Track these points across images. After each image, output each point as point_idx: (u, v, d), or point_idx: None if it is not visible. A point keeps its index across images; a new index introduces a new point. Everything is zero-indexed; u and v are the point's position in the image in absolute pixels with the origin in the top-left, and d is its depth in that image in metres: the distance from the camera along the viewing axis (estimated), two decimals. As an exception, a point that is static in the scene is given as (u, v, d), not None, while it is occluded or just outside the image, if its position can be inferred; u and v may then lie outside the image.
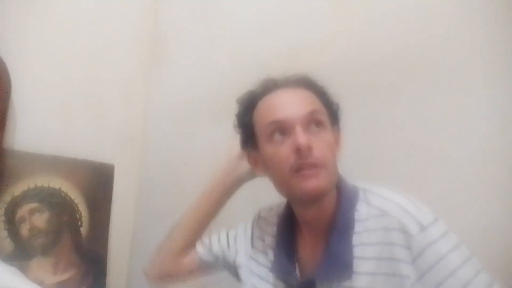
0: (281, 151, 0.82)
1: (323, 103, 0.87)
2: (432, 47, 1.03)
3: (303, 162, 0.79)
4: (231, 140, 0.95)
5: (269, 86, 0.89)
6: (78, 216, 1.62)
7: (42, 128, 1.58)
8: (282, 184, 0.85)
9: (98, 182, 1.69)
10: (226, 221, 1.11)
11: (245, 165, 0.98)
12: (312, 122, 0.83)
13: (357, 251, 0.81)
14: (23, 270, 1.39)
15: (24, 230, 1.50)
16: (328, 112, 0.87)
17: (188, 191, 1.62)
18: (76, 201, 1.62)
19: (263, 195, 0.96)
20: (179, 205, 1.64)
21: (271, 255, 0.95)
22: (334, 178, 0.84)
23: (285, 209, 0.96)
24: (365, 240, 0.81)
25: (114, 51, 1.77)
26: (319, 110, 0.85)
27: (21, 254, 1.48)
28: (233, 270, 1.05)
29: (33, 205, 1.53)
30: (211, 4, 1.65)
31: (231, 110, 1.43)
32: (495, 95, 0.94)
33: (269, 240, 0.98)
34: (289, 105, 0.84)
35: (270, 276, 0.94)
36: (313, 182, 0.80)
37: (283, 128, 0.82)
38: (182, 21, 1.76)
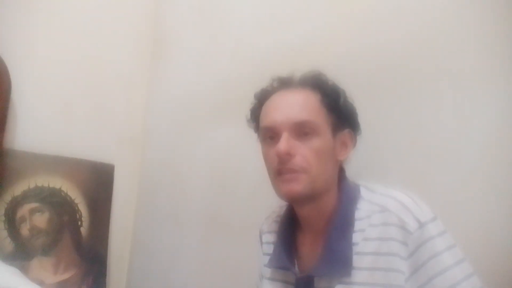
0: (269, 153, 0.88)
1: (327, 108, 0.89)
2: (434, 46, 1.03)
3: (282, 167, 0.85)
4: None
5: (277, 86, 0.94)
6: (78, 216, 1.62)
7: (42, 128, 1.58)
8: (272, 184, 0.90)
9: (98, 182, 1.69)
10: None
11: None
12: (300, 129, 0.86)
13: (359, 247, 0.82)
14: (24, 270, 1.39)
15: (25, 230, 1.50)
16: (332, 117, 0.89)
17: (188, 191, 1.63)
18: (76, 201, 1.62)
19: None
20: (180, 205, 1.65)
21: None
22: (319, 183, 0.86)
23: (287, 207, 0.98)
24: (368, 236, 0.82)
25: (114, 51, 1.77)
26: (311, 120, 0.86)
27: (21, 254, 1.48)
28: None
29: (34, 205, 1.52)
30: (211, 4, 1.65)
31: (232, 110, 1.44)
32: (496, 94, 0.94)
33: (274, 238, 0.99)
34: (282, 111, 0.88)
35: (268, 272, 0.95)
36: (290, 187, 0.85)
37: (273, 133, 0.88)
38: (182, 21, 1.76)
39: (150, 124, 1.83)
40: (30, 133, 1.55)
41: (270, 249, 0.99)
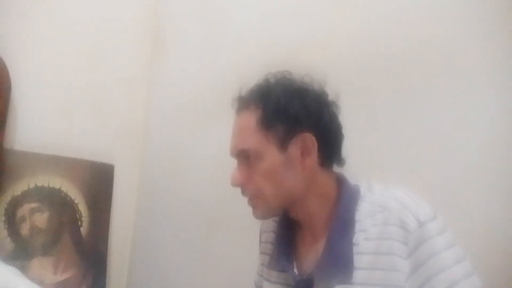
0: None
1: (267, 125, 0.85)
2: (433, 44, 1.03)
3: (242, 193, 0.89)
4: None
5: (235, 109, 0.93)
6: (78, 216, 1.62)
7: (42, 128, 1.59)
8: None
9: (98, 182, 1.69)
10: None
11: None
12: (244, 156, 0.87)
13: (359, 247, 0.82)
14: (24, 269, 1.39)
15: (25, 230, 1.50)
16: (276, 131, 0.85)
17: (188, 191, 1.63)
18: (76, 201, 1.62)
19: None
20: (180, 204, 1.65)
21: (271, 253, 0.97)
22: (281, 199, 0.87)
23: None
24: (369, 235, 0.82)
25: (114, 50, 1.77)
26: (246, 147, 0.86)
27: (21, 254, 1.48)
28: None
29: (33, 204, 1.53)
30: (211, 2, 1.65)
31: (231, 108, 1.44)
32: (496, 92, 0.94)
33: (272, 238, 0.98)
34: (232, 140, 0.90)
35: (273, 275, 0.94)
36: (253, 212, 0.90)
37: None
38: (183, 19, 1.76)
39: (150, 124, 1.84)
40: (30, 133, 1.56)
41: (267, 248, 0.99)
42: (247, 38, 1.46)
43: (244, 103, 0.90)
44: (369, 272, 0.80)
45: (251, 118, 0.87)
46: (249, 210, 1.41)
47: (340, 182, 0.90)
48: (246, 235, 1.27)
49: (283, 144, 0.85)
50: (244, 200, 1.39)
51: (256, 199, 0.88)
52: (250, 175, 0.87)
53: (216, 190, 1.51)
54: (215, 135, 1.53)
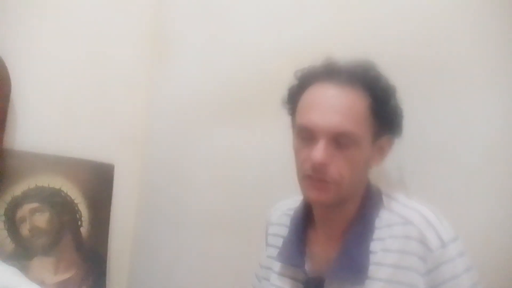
0: (302, 152, 0.84)
1: (374, 115, 0.82)
2: (434, 47, 1.03)
3: (314, 175, 0.81)
4: None
5: (322, 72, 0.86)
6: (78, 216, 1.62)
7: (42, 128, 1.58)
8: (297, 179, 0.87)
9: (98, 182, 1.68)
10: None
11: None
12: (340, 139, 0.80)
13: (378, 257, 0.81)
14: (24, 270, 1.39)
15: (25, 230, 1.50)
16: (376, 124, 0.83)
17: (189, 191, 1.63)
18: (76, 201, 1.61)
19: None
20: (180, 205, 1.65)
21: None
22: (348, 192, 0.84)
23: (302, 203, 0.95)
24: (388, 247, 0.81)
25: (115, 50, 1.77)
26: (353, 132, 0.80)
27: (21, 254, 1.48)
28: None
29: (34, 205, 1.52)
30: (214, 3, 1.65)
31: (234, 110, 1.44)
32: (498, 95, 0.94)
33: (284, 232, 0.97)
34: (323, 113, 0.81)
35: (282, 267, 0.93)
36: (318, 195, 0.82)
37: (309, 134, 0.82)
38: (185, 20, 1.76)
39: (151, 124, 1.83)
40: (30, 133, 1.55)
41: (277, 241, 0.97)
42: (249, 42, 1.46)
43: (346, 77, 0.83)
44: (386, 284, 0.79)
45: (361, 102, 0.81)
46: (250, 210, 1.41)
47: (367, 185, 0.89)
48: (247, 235, 1.28)
49: (375, 137, 0.84)
50: (245, 200, 1.39)
51: (331, 183, 0.80)
52: (335, 157, 0.80)
53: (218, 190, 1.50)
54: (216, 135, 1.52)
